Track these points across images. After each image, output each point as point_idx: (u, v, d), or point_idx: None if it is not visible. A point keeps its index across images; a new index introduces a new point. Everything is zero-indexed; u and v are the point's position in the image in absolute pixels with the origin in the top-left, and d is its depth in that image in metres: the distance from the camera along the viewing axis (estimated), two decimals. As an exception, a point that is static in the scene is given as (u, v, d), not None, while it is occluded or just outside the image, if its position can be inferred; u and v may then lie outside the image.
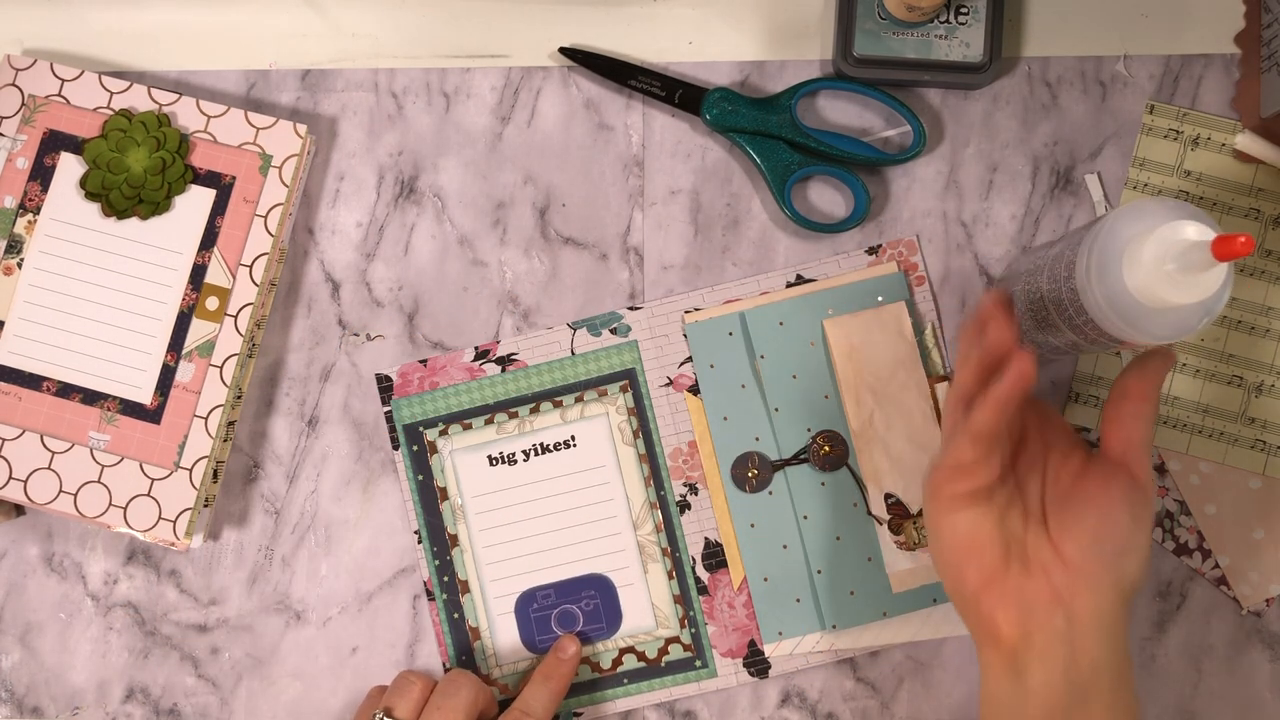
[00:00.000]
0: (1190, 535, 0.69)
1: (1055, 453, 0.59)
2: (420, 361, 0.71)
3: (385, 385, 0.70)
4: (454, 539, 0.70)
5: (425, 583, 0.70)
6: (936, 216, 0.71)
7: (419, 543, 0.70)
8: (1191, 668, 0.69)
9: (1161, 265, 0.52)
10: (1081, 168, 0.71)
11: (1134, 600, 0.58)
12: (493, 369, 0.70)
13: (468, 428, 0.70)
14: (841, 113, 0.72)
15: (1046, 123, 0.72)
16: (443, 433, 0.70)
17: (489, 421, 0.70)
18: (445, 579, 0.69)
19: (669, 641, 0.69)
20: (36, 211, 0.69)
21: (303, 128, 0.69)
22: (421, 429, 0.70)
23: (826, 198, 0.72)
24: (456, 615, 0.69)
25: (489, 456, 0.70)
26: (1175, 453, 0.70)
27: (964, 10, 0.69)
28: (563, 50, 0.72)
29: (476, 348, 0.71)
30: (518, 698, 0.66)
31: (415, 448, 0.70)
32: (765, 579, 0.69)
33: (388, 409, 0.70)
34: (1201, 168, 0.70)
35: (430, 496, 0.70)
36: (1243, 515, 0.69)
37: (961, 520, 0.56)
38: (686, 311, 0.70)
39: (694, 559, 0.69)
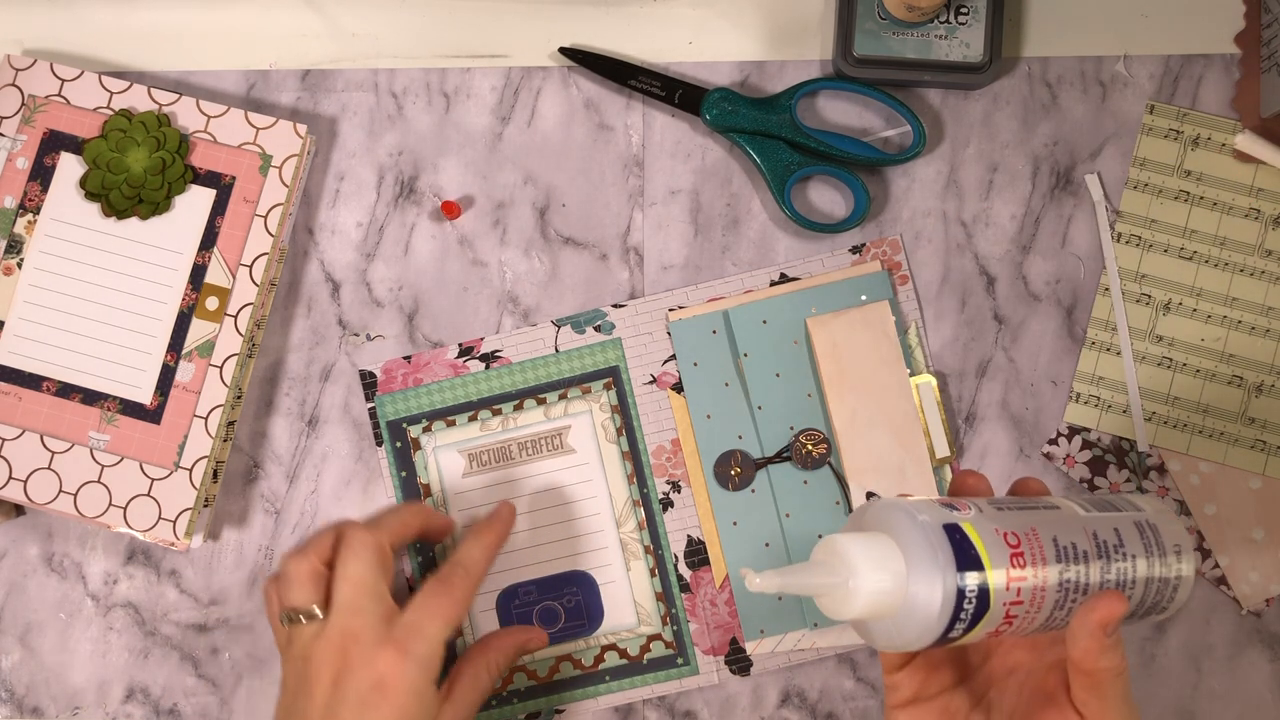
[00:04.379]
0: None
1: (1040, 664, 0.51)
2: (404, 358, 0.71)
3: (370, 382, 0.71)
4: (439, 536, 0.70)
5: (408, 579, 0.70)
6: (936, 216, 0.71)
7: (405, 539, 0.70)
8: (1191, 668, 0.69)
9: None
10: (1081, 168, 0.71)
11: None
12: (477, 366, 0.70)
13: (451, 424, 0.70)
14: (841, 113, 0.72)
15: (1046, 123, 0.72)
16: (426, 429, 0.70)
17: (472, 418, 0.70)
18: (427, 575, 0.69)
19: (651, 639, 0.69)
20: (36, 211, 0.69)
21: (303, 128, 0.69)
22: (405, 425, 0.70)
23: (826, 198, 0.72)
24: None
25: (472, 453, 0.70)
26: (1175, 453, 0.70)
27: (964, 10, 0.69)
28: (563, 50, 0.72)
29: (460, 344, 0.71)
30: (453, 552, 0.63)
31: (399, 444, 0.70)
32: None
33: (371, 405, 0.70)
34: (1201, 168, 0.70)
35: (413, 493, 0.70)
36: (1243, 515, 0.69)
37: (903, 719, 0.51)
38: (670, 310, 0.70)
39: (676, 556, 0.69)
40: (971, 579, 0.44)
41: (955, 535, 0.44)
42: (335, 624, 0.57)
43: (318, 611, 0.58)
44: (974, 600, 0.44)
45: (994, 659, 0.52)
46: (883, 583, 0.44)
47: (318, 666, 0.57)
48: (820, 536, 0.68)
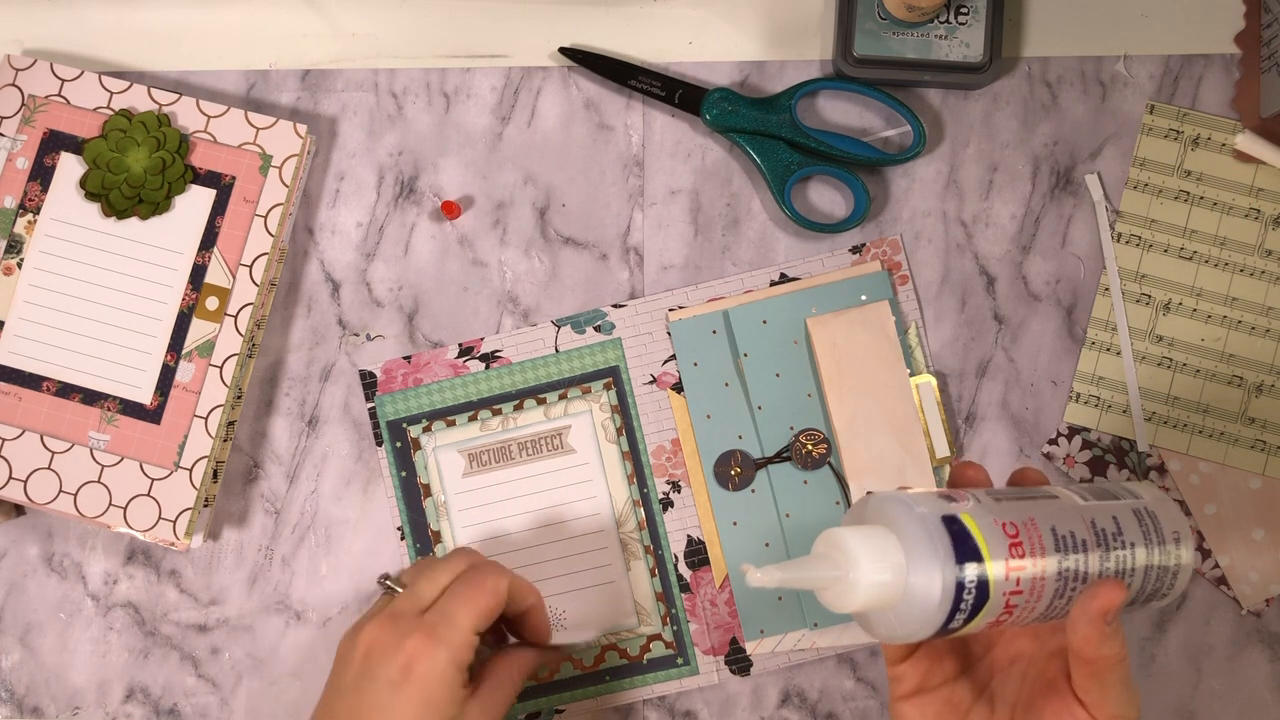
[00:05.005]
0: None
1: (1042, 652, 0.51)
2: (404, 358, 0.71)
3: (370, 382, 0.71)
4: (436, 535, 0.70)
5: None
6: (936, 216, 0.71)
7: (402, 539, 0.70)
8: (1191, 668, 0.69)
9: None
10: (1081, 168, 0.71)
11: None
12: (477, 366, 0.70)
13: (451, 424, 0.70)
14: (841, 113, 0.72)
15: (1046, 123, 0.72)
16: (426, 429, 0.70)
17: (472, 418, 0.70)
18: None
19: (651, 639, 0.69)
20: (36, 211, 0.69)
21: (303, 128, 0.69)
22: (405, 425, 0.70)
23: (826, 198, 0.72)
24: None
25: (472, 453, 0.70)
26: (1175, 453, 0.70)
27: (964, 10, 0.69)
28: (563, 50, 0.72)
29: (460, 344, 0.71)
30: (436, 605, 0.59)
31: (399, 444, 0.70)
32: None
33: (371, 405, 0.70)
34: (1201, 168, 0.70)
35: (413, 493, 0.70)
36: (1243, 515, 0.69)
37: (907, 710, 0.51)
38: (670, 309, 0.70)
39: (676, 556, 0.69)
40: (970, 570, 0.44)
41: (953, 526, 0.44)
42: (384, 608, 0.58)
43: (398, 589, 0.59)
44: (973, 591, 0.44)
45: (997, 649, 0.52)
46: (882, 575, 0.44)
47: (354, 646, 0.58)
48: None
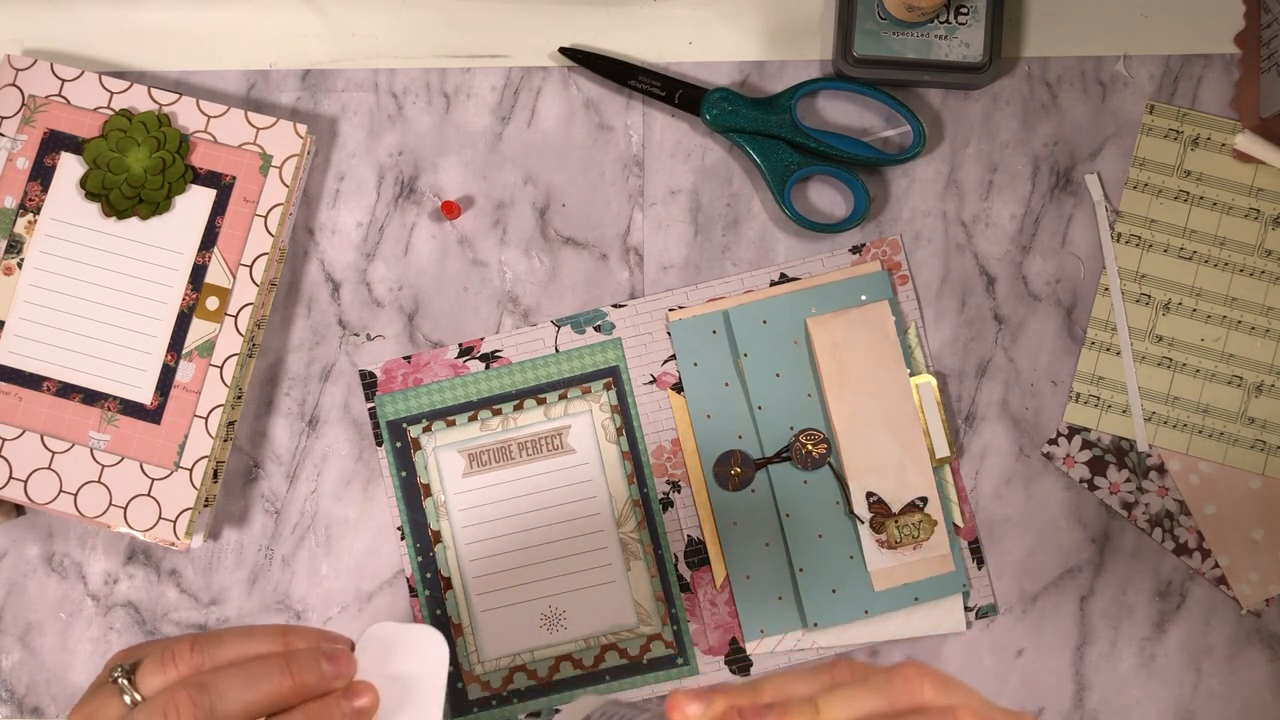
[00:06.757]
0: (1190, 535, 0.69)
1: None
2: (404, 358, 0.71)
3: (370, 382, 0.71)
4: (436, 535, 0.70)
5: (408, 579, 0.70)
6: (936, 216, 0.71)
7: (402, 539, 0.70)
8: (1191, 668, 0.69)
9: None
10: (1081, 168, 0.71)
11: None
12: (477, 366, 0.70)
13: (451, 424, 0.70)
14: (841, 113, 0.72)
15: (1046, 123, 0.72)
16: (426, 429, 0.70)
17: (472, 418, 0.70)
18: (428, 575, 0.69)
19: (651, 639, 0.69)
20: (37, 211, 0.69)
21: (303, 128, 0.69)
22: (405, 425, 0.70)
23: (826, 198, 0.72)
24: (439, 611, 0.69)
25: (472, 453, 0.70)
26: (1175, 453, 0.70)
27: (964, 10, 0.69)
28: (563, 50, 0.72)
29: (460, 344, 0.71)
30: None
31: (399, 444, 0.70)
32: (747, 577, 0.69)
33: (371, 405, 0.70)
34: (1201, 168, 0.70)
35: (413, 493, 0.70)
36: (1243, 515, 0.69)
37: None
38: (670, 309, 0.70)
39: (676, 556, 0.69)
40: None
41: None
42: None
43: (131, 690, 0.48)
44: None
45: None
46: None
47: None
48: (821, 537, 0.69)
